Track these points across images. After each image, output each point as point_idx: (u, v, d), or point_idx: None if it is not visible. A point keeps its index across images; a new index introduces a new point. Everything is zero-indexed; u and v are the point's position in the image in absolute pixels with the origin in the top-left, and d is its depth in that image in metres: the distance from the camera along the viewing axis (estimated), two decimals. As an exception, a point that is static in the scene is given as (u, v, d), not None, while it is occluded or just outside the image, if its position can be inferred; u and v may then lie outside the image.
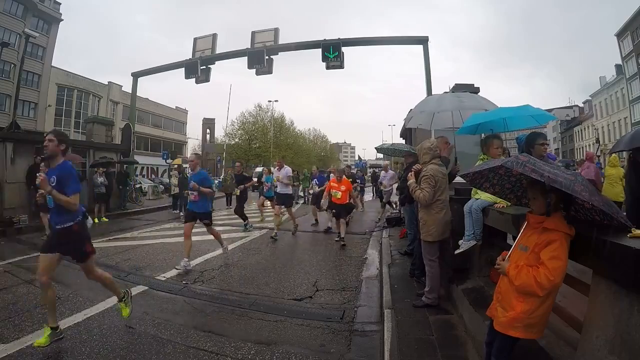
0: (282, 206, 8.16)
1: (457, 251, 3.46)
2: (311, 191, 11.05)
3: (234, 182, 9.70)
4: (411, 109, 5.86)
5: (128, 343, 2.94)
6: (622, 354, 1.44)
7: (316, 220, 9.66)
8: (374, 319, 3.54)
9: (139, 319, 3.46)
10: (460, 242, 3.44)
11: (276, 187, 8.40)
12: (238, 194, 9.02)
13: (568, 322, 2.17)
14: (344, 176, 7.33)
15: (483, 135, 4.17)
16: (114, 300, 3.89)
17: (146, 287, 4.38)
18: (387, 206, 11.33)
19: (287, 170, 8.28)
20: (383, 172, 11.48)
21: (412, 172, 3.73)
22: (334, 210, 7.37)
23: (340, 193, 7.05)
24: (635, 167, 4.18)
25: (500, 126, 4.18)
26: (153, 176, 33.20)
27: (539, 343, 2.10)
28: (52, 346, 2.83)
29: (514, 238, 2.06)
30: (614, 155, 7.24)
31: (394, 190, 10.36)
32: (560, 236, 1.69)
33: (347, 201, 7.22)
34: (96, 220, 10.02)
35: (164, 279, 4.79)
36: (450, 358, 2.59)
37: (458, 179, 4.04)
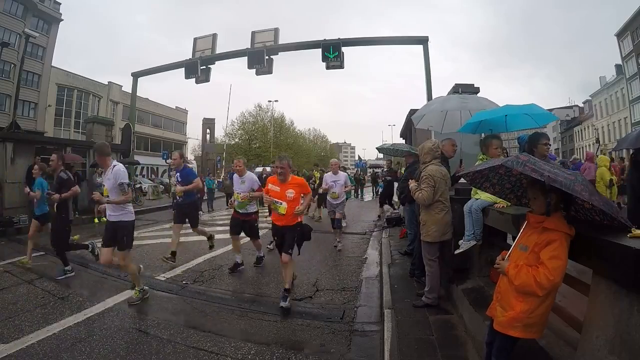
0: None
1: (456, 251, 3.47)
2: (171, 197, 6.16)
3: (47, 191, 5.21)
4: (411, 109, 5.89)
5: (128, 343, 2.94)
6: (622, 354, 1.44)
7: (173, 254, 5.26)
8: (374, 319, 3.54)
9: (139, 319, 3.46)
10: (460, 242, 3.44)
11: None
12: (55, 211, 4.87)
13: (568, 322, 2.17)
14: (289, 173, 3.94)
15: (482, 135, 4.18)
16: (114, 300, 3.91)
17: (146, 287, 4.37)
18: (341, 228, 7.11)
19: (118, 171, 3.81)
20: (329, 173, 7.18)
21: (412, 182, 3.74)
22: (275, 238, 4.26)
23: (284, 204, 3.80)
24: (637, 166, 4.17)
25: (500, 126, 4.18)
26: (153, 176, 33.17)
27: (538, 343, 2.10)
28: (52, 346, 2.83)
29: (514, 238, 2.06)
30: (601, 156, 7.43)
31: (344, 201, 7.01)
32: (560, 236, 1.69)
33: (299, 219, 3.97)
34: (96, 221, 10.03)
35: (164, 279, 4.79)
36: (450, 358, 2.59)
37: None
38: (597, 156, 8.92)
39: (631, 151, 4.40)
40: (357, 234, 8.44)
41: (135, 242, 6.80)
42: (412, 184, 3.68)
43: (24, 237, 7.57)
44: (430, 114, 5.32)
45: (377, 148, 8.34)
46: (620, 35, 32.95)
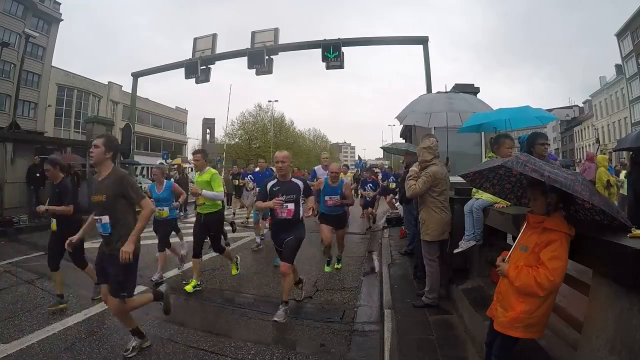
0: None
1: (455, 250, 3.47)
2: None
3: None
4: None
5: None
6: (622, 354, 1.44)
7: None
8: (374, 319, 3.55)
9: (139, 319, 3.45)
10: (460, 242, 3.44)
11: None
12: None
13: (568, 322, 2.17)
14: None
15: (484, 134, 4.17)
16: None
17: (146, 287, 4.37)
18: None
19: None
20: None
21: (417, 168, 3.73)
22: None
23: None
24: (637, 167, 4.17)
25: (503, 125, 4.17)
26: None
27: (539, 343, 2.10)
28: (52, 346, 2.83)
29: (514, 238, 2.06)
30: (600, 155, 7.52)
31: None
32: (560, 236, 1.69)
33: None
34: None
35: (164, 279, 4.78)
36: (450, 358, 2.59)
37: (458, 179, 4.04)
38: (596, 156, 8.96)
39: (631, 152, 4.39)
40: (357, 234, 8.44)
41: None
42: (413, 169, 3.66)
43: (24, 237, 7.58)
44: (414, 114, 5.26)
45: (381, 147, 8.76)
46: (620, 35, 32.93)
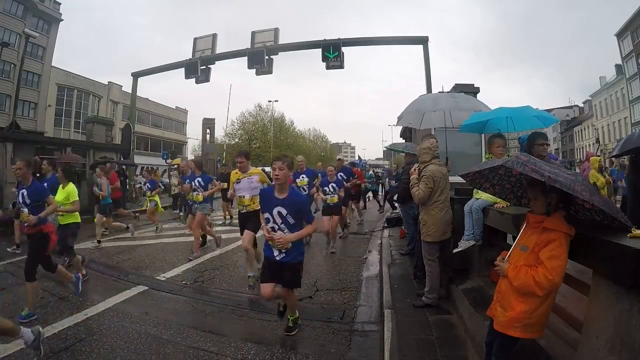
0: None
1: (455, 250, 3.47)
2: None
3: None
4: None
5: (128, 343, 2.93)
6: (622, 354, 1.44)
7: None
8: (374, 319, 3.54)
9: (139, 319, 3.46)
10: (460, 242, 3.45)
11: None
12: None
13: (568, 322, 2.18)
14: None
15: (484, 135, 4.17)
16: (114, 300, 3.91)
17: (146, 287, 4.38)
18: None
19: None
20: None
21: (415, 169, 3.73)
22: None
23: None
24: (636, 167, 4.19)
25: (505, 126, 4.17)
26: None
27: (538, 343, 2.10)
28: (52, 346, 2.83)
29: (514, 238, 2.06)
30: (593, 157, 7.64)
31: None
32: (559, 236, 1.69)
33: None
34: (96, 220, 10.02)
35: (164, 279, 4.79)
36: (450, 358, 2.59)
37: (458, 179, 4.04)
38: (598, 156, 9.00)
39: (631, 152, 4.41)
40: (357, 234, 8.44)
41: (135, 242, 6.85)
42: (413, 175, 3.67)
43: (23, 237, 7.55)
44: (409, 114, 5.20)
45: (386, 147, 8.98)
46: (620, 35, 32.94)
